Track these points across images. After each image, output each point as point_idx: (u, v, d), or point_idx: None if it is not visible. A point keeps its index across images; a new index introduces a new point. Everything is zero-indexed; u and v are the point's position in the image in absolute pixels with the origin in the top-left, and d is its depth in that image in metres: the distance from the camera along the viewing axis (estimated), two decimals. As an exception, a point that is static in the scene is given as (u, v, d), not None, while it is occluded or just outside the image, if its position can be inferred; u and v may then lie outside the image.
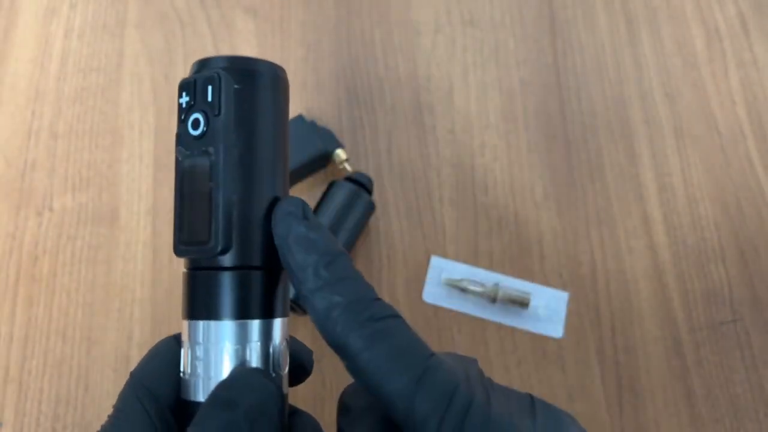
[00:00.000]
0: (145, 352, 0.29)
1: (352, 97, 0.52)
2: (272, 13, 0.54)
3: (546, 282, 0.47)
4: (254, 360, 0.23)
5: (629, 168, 0.50)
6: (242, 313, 0.23)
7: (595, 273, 0.47)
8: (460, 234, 0.48)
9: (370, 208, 0.47)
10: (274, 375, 0.23)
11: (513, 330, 0.46)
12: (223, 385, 0.22)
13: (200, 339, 0.23)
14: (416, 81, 0.52)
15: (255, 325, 0.23)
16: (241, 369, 0.23)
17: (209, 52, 0.53)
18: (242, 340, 0.23)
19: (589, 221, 0.49)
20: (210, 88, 0.22)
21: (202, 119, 0.22)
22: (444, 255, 0.48)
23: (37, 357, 0.45)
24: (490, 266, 0.47)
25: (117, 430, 0.23)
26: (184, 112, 0.23)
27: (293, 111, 0.51)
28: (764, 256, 0.48)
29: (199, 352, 0.23)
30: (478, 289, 0.46)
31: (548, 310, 0.46)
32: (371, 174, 0.50)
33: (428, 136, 0.51)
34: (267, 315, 0.23)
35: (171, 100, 0.52)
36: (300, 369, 0.26)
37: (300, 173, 0.49)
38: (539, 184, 0.50)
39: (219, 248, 0.22)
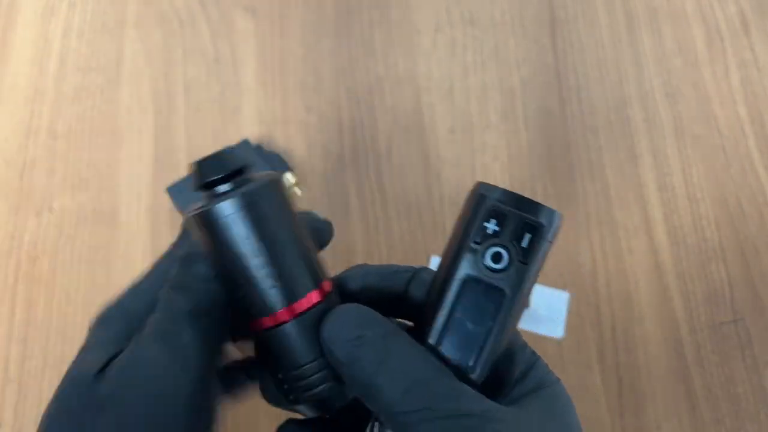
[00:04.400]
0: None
1: (352, 97, 0.52)
2: (272, 12, 0.54)
3: (546, 282, 0.47)
4: None
5: (629, 168, 0.50)
6: None
7: (595, 273, 0.47)
8: (460, 234, 0.48)
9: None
10: None
11: (513, 330, 0.46)
12: None
13: None
14: (416, 81, 0.52)
15: None
16: None
17: (209, 51, 0.53)
18: None
19: (589, 221, 0.49)
20: (529, 236, 0.23)
21: (505, 257, 0.23)
22: (444, 255, 0.48)
23: (37, 357, 0.45)
24: (491, 266, 0.47)
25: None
26: (483, 236, 0.23)
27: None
28: (765, 256, 0.48)
29: None
30: (478, 289, 0.46)
31: (549, 310, 0.46)
32: (371, 174, 0.50)
33: (428, 136, 0.51)
34: None
35: (170, 100, 0.52)
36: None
37: None
38: (539, 184, 0.50)
39: (477, 378, 0.23)
